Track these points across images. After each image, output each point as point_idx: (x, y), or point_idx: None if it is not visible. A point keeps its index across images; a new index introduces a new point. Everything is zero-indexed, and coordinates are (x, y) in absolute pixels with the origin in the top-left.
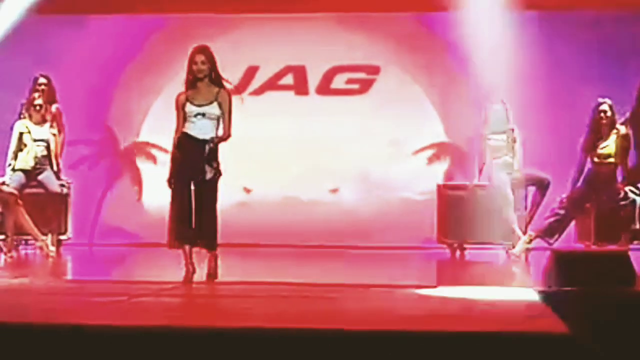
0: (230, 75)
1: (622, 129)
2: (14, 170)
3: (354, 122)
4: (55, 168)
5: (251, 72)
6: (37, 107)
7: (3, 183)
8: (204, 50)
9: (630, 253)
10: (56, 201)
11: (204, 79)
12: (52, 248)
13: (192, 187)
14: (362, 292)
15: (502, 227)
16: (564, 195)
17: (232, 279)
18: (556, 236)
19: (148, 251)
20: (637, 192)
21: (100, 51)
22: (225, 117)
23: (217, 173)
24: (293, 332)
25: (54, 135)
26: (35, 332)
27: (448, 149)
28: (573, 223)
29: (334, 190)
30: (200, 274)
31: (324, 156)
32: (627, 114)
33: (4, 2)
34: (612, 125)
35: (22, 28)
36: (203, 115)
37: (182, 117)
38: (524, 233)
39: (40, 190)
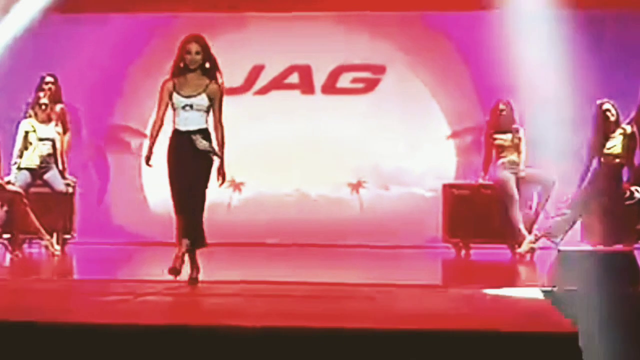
0: (236, 74)
1: (628, 129)
2: (19, 169)
3: (360, 121)
4: (60, 167)
5: (256, 71)
6: (43, 106)
7: (8, 182)
8: (198, 39)
9: (636, 252)
10: (61, 200)
11: (196, 70)
12: (57, 247)
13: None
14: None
15: (508, 226)
16: (569, 195)
17: (237, 277)
18: (562, 236)
19: (154, 250)
20: None
21: (106, 50)
22: (216, 113)
23: (212, 151)
24: (297, 332)
25: (60, 134)
26: (41, 331)
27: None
28: (579, 223)
29: (340, 190)
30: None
31: (329, 155)
32: (633, 113)
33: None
34: (617, 124)
35: (28, 28)
36: (191, 106)
37: (164, 106)
38: (530, 232)
39: (46, 189)
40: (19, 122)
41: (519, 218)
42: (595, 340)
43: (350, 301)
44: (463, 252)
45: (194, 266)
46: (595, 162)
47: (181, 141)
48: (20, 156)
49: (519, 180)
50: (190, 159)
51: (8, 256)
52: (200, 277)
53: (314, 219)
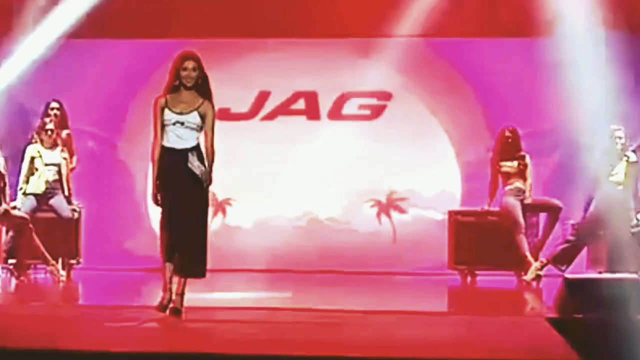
0: (242, 100)
1: (632, 156)
2: (25, 194)
3: (366, 147)
4: (66, 192)
5: (263, 97)
6: (49, 132)
7: (14, 207)
8: (193, 56)
9: None
10: (67, 226)
11: (191, 88)
12: (63, 272)
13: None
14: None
15: (514, 253)
16: (575, 222)
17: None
18: (568, 263)
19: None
20: None
21: (113, 76)
22: (209, 133)
23: (206, 174)
24: None
25: (65, 159)
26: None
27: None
28: (585, 250)
29: (345, 215)
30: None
31: (335, 181)
32: (639, 141)
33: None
34: (623, 152)
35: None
36: (182, 124)
37: (160, 124)
38: (536, 259)
39: (51, 215)
40: (25, 148)
41: (525, 245)
42: None
43: (353, 328)
44: (469, 279)
45: (181, 295)
46: (600, 189)
47: (173, 159)
48: (26, 182)
49: (525, 207)
50: (184, 178)
51: (14, 281)
52: (209, 303)
53: (319, 244)
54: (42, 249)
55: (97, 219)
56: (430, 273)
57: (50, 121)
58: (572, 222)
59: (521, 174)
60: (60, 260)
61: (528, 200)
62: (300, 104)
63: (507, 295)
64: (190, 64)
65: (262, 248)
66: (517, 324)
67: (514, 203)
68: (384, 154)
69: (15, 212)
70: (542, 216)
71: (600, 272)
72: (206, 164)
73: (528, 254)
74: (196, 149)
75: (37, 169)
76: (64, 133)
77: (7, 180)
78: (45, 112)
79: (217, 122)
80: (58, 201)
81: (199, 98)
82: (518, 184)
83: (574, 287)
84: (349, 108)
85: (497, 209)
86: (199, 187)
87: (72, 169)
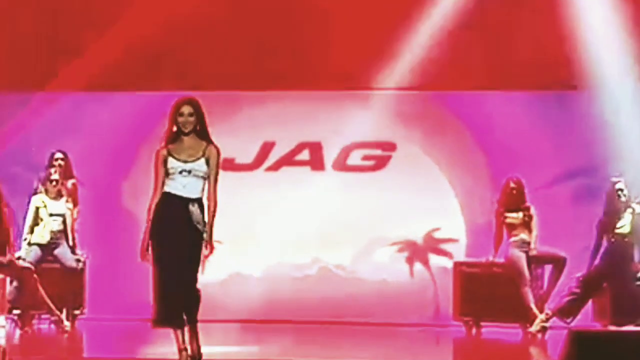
0: (247, 150)
1: (638, 208)
2: (30, 244)
3: (370, 198)
4: (71, 242)
5: (267, 147)
6: (54, 182)
7: (19, 257)
8: (190, 101)
9: None
10: (71, 276)
11: (190, 133)
12: (67, 323)
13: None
14: None
15: (519, 305)
16: (580, 274)
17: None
18: (573, 315)
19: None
20: None
21: (118, 127)
22: (212, 177)
23: (202, 234)
24: None
25: (70, 209)
26: None
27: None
28: (590, 302)
29: (350, 266)
30: None
31: (340, 231)
32: None
33: None
34: (628, 204)
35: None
36: (189, 172)
37: (163, 175)
38: (541, 311)
39: (56, 265)
40: (29, 198)
41: (530, 297)
42: None
43: None
44: (474, 330)
45: (197, 345)
46: (605, 241)
47: (176, 207)
48: (31, 232)
49: (530, 259)
50: (185, 229)
51: (18, 332)
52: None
53: (323, 296)
54: (47, 299)
55: (101, 269)
56: (434, 324)
57: (55, 171)
58: (578, 274)
59: (526, 225)
60: (64, 310)
61: (533, 252)
62: (305, 155)
63: (512, 348)
64: (186, 109)
65: (261, 299)
66: None
67: (519, 255)
68: (388, 205)
69: (19, 263)
70: (548, 268)
71: (605, 325)
72: (206, 215)
73: (533, 306)
74: (198, 201)
75: (41, 219)
76: (69, 183)
77: (12, 230)
78: (49, 163)
79: (222, 173)
80: (62, 251)
81: (202, 143)
82: (523, 235)
83: (579, 340)
84: (354, 159)
85: (502, 260)
86: (198, 239)
87: (75, 220)
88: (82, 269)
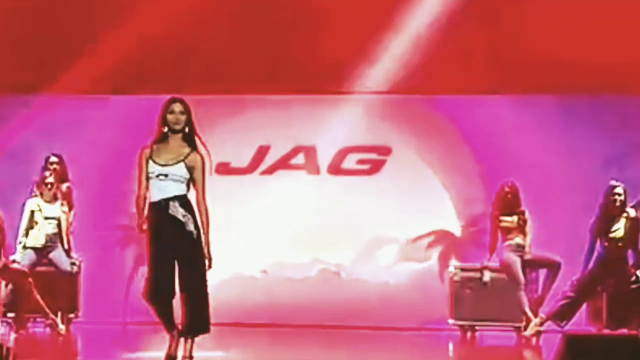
0: (242, 154)
1: (632, 212)
2: (24, 247)
3: (365, 201)
4: (65, 246)
5: (262, 151)
6: (49, 185)
7: (14, 261)
8: (182, 100)
9: None
10: (66, 279)
11: (178, 133)
12: (62, 326)
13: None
14: None
15: (514, 309)
16: (575, 278)
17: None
18: (567, 319)
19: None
20: None
21: (114, 131)
22: (199, 189)
23: (197, 229)
24: None
25: (65, 212)
26: None
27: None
28: (584, 306)
29: (346, 269)
30: None
31: (335, 235)
32: (639, 197)
33: None
34: (622, 208)
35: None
36: (166, 176)
37: (144, 176)
38: (536, 315)
39: (51, 269)
40: (24, 201)
41: (525, 301)
42: None
43: None
44: (469, 334)
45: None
46: (599, 245)
47: (158, 213)
48: (26, 235)
49: (524, 263)
50: (170, 233)
51: (13, 335)
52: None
53: (317, 299)
54: (42, 302)
55: (96, 273)
56: (430, 328)
57: (50, 175)
58: (574, 278)
59: (521, 229)
60: (59, 314)
61: (528, 256)
62: (300, 159)
63: (507, 352)
64: (177, 107)
65: (259, 303)
66: None
67: (514, 259)
68: (383, 209)
69: (14, 266)
70: (542, 272)
71: (599, 329)
72: (197, 216)
73: (528, 310)
74: (179, 198)
75: (36, 223)
76: (64, 186)
77: (6, 234)
78: (45, 166)
79: (217, 177)
80: (57, 255)
81: (185, 148)
82: (518, 239)
83: (573, 344)
84: (348, 163)
85: (496, 264)
86: (187, 235)
87: (70, 223)
88: (77, 273)
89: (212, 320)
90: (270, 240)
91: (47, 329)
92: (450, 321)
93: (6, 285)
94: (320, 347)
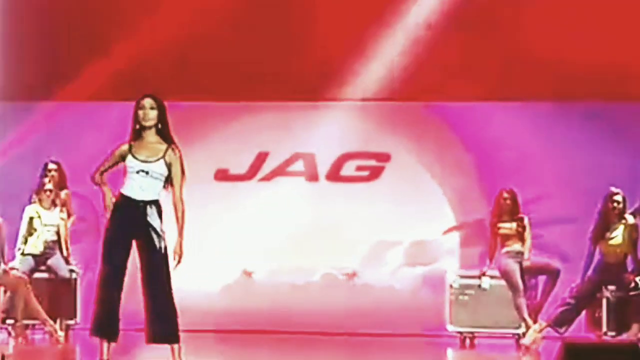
0: (241, 161)
1: (630, 219)
2: (23, 254)
3: (364, 208)
4: (64, 253)
5: (261, 158)
6: (48, 192)
7: (12, 268)
8: (153, 96)
9: None
10: (65, 286)
11: (151, 129)
12: (61, 333)
13: (138, 264)
14: None
15: (513, 315)
16: (574, 285)
17: None
18: (566, 326)
19: None
20: None
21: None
22: (176, 187)
23: (162, 240)
24: None
25: (64, 219)
26: None
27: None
28: (584, 313)
29: (344, 276)
30: None
31: (334, 242)
32: (637, 204)
33: None
34: (621, 215)
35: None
36: (147, 172)
37: (109, 166)
38: (535, 322)
39: (50, 275)
40: (23, 208)
41: (524, 308)
42: None
43: None
44: (467, 341)
45: None
46: (598, 252)
47: (132, 210)
48: (25, 242)
49: (523, 269)
50: (142, 234)
51: (11, 342)
52: None
53: (315, 306)
54: (40, 309)
55: (95, 280)
56: (428, 335)
57: (49, 181)
58: (573, 285)
59: (520, 236)
60: (58, 320)
61: (527, 263)
62: (299, 165)
63: (506, 359)
64: (147, 103)
65: (254, 309)
66: None
67: (513, 266)
68: (382, 215)
69: (13, 273)
70: (541, 278)
71: (599, 336)
72: (178, 220)
73: (527, 316)
74: (155, 203)
75: (35, 229)
76: (63, 193)
77: (5, 241)
78: (43, 173)
79: (216, 183)
80: (56, 261)
81: (162, 144)
82: (517, 246)
83: (572, 351)
84: (347, 169)
85: (495, 271)
86: (159, 244)
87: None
88: (76, 279)
89: (213, 327)
90: (269, 247)
91: (46, 336)
92: (449, 327)
93: (5, 292)
94: (322, 353)
